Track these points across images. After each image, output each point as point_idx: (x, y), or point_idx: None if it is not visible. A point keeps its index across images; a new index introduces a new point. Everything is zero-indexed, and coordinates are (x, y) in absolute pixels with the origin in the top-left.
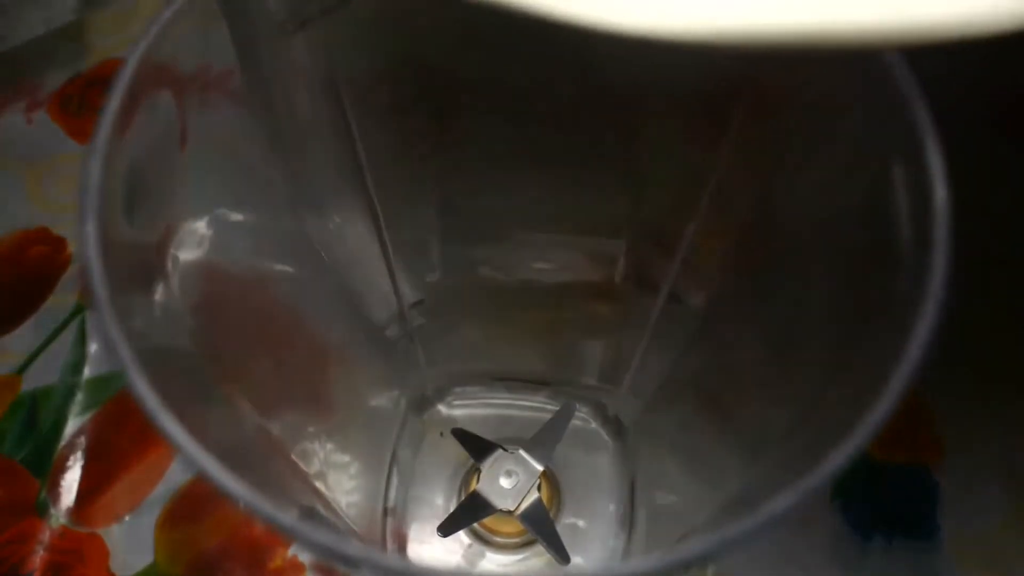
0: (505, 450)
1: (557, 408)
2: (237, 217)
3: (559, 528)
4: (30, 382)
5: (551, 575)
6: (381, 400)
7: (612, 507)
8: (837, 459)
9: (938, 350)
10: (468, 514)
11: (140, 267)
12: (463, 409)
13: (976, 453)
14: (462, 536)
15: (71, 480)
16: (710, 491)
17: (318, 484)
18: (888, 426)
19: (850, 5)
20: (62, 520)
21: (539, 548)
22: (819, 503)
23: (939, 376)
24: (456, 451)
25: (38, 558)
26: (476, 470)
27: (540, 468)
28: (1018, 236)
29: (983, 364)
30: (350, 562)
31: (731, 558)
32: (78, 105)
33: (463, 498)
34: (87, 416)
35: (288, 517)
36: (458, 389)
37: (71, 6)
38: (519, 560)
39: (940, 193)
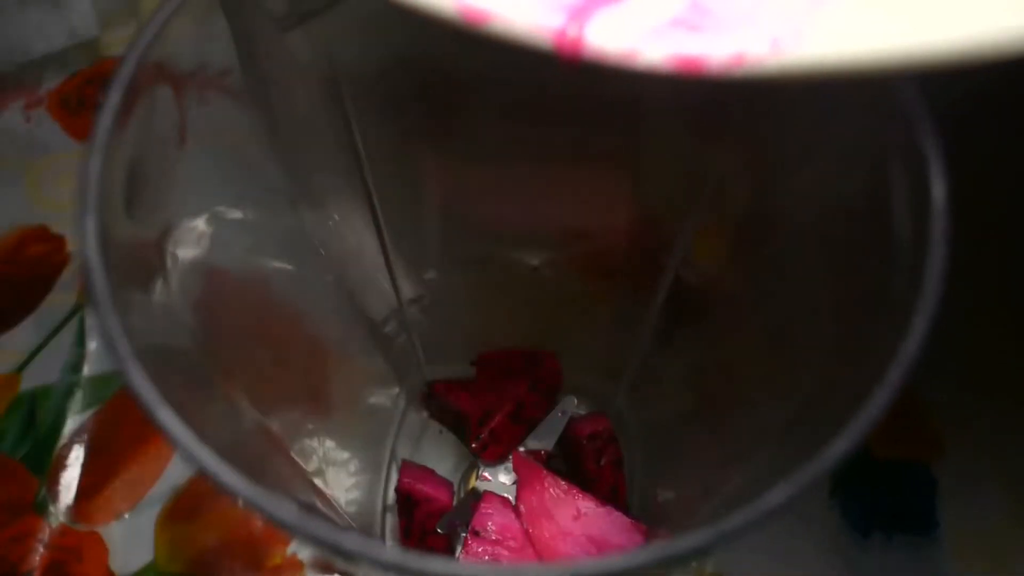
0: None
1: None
2: (236, 214)
3: None
4: (29, 381)
5: (550, 569)
6: (380, 396)
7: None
8: (833, 453)
9: (937, 347)
10: (468, 510)
11: (139, 264)
12: None
13: (975, 450)
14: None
15: (70, 478)
16: (709, 487)
17: (317, 481)
18: (887, 423)
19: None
20: (61, 518)
21: None
22: (818, 500)
23: (938, 373)
24: (455, 447)
25: (38, 556)
26: (475, 466)
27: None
28: (1018, 232)
29: (982, 361)
30: (348, 555)
31: (731, 554)
32: (77, 103)
33: (463, 495)
34: (86, 414)
35: (287, 511)
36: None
37: (94, 20)
38: None
39: (938, 188)
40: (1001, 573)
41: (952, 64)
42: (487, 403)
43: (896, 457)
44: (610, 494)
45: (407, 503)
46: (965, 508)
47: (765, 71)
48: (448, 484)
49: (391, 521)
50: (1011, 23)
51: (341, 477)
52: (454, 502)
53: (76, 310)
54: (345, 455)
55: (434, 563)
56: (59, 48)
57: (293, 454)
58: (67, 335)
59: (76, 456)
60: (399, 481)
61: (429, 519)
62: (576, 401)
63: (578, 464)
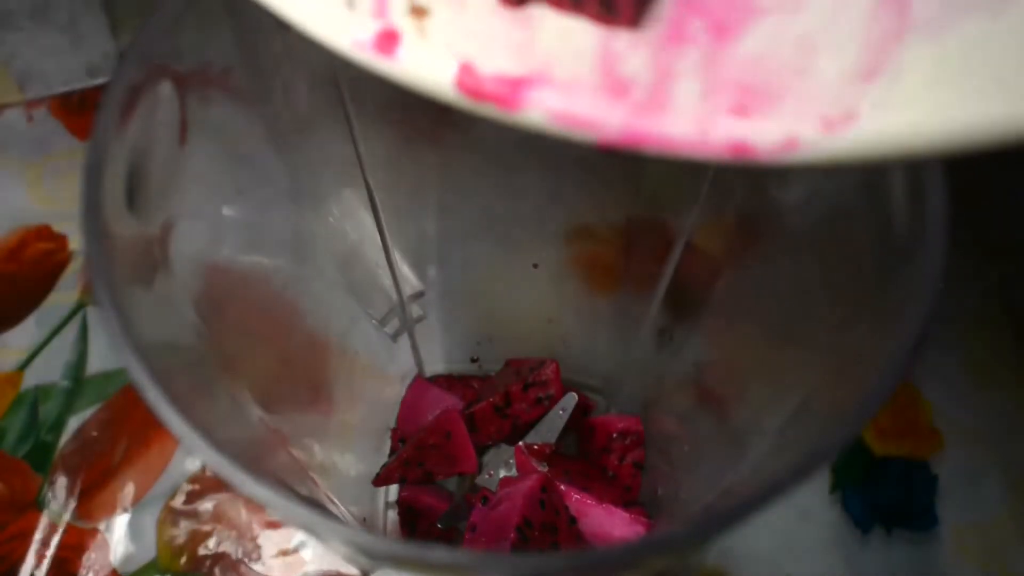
0: (506, 442)
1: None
2: (237, 211)
3: None
4: (32, 379)
5: (545, 559)
6: (381, 393)
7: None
8: (829, 444)
9: (936, 345)
10: (467, 507)
11: (142, 260)
12: None
13: (974, 446)
14: None
15: (73, 476)
16: (709, 481)
17: (319, 477)
18: (887, 420)
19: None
20: (64, 516)
21: None
22: (819, 496)
23: (938, 370)
24: None
25: (40, 553)
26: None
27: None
28: (1015, 227)
29: (982, 358)
30: (350, 548)
31: (732, 548)
32: (79, 101)
33: (463, 491)
34: (88, 412)
35: (290, 506)
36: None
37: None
38: None
39: (936, 181)
40: (1000, 568)
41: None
42: (483, 391)
43: (896, 454)
44: (623, 492)
45: (408, 515)
46: (965, 504)
47: (818, 156)
48: (448, 493)
49: (392, 517)
50: None
51: (343, 473)
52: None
53: (78, 308)
54: (347, 451)
55: (434, 552)
56: (78, 87)
57: (295, 450)
58: (69, 333)
59: (78, 454)
60: (399, 494)
61: (432, 529)
62: (577, 398)
63: (597, 457)
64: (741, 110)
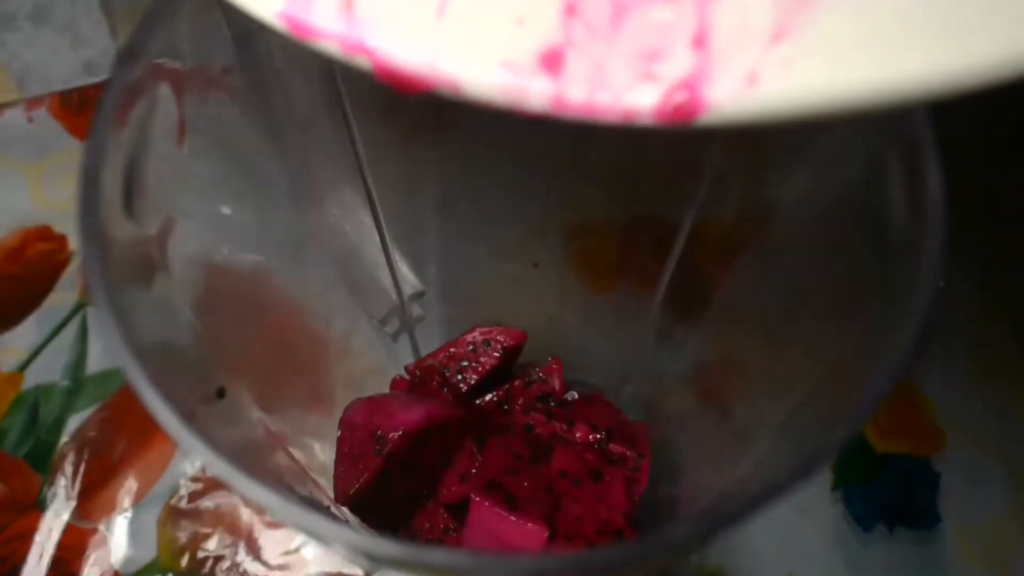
0: None
1: None
2: (236, 211)
3: None
4: (32, 379)
5: (545, 559)
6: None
7: None
8: (826, 444)
9: (938, 342)
10: None
11: (139, 261)
12: None
13: (976, 444)
14: None
15: (73, 476)
16: (709, 482)
17: (321, 479)
18: (889, 418)
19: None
20: (64, 516)
21: None
22: (821, 495)
23: (940, 368)
24: None
25: (41, 554)
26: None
27: None
28: (1016, 225)
29: (983, 356)
30: (348, 548)
31: (733, 548)
32: (79, 101)
33: None
34: (89, 412)
35: (289, 506)
36: None
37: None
38: None
39: (934, 178)
40: (1002, 567)
41: (927, 97)
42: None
43: (898, 452)
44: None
45: None
46: (967, 502)
47: (721, 118)
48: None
49: None
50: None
51: None
52: None
53: (78, 308)
54: None
55: (435, 554)
56: (77, 86)
57: (295, 451)
58: (69, 333)
59: (78, 454)
60: None
61: None
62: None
63: None
64: (649, 76)
